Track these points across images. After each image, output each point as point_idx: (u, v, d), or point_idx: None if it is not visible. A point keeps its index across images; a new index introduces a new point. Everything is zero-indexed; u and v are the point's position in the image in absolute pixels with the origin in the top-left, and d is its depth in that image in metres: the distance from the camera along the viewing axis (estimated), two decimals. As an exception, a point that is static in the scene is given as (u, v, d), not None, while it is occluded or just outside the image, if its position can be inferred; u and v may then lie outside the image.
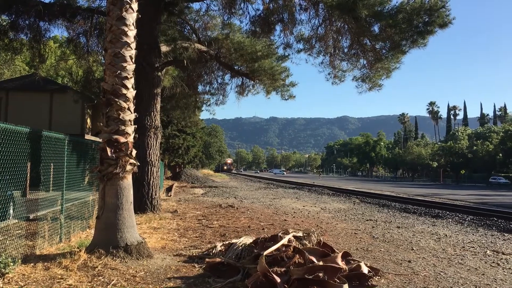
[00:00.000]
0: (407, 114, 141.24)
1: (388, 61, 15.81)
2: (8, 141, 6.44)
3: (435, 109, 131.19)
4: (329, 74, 18.06)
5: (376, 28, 15.03)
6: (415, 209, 19.77)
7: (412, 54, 15.59)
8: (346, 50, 16.84)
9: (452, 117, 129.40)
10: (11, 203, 10.65)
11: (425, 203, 23.58)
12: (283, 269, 6.21)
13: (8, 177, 6.99)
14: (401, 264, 8.17)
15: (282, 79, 19.62)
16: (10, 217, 10.59)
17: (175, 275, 6.77)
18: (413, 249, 9.75)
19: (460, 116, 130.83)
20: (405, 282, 6.80)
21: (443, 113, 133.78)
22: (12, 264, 6.36)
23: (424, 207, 21.10)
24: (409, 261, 8.40)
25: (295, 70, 24.04)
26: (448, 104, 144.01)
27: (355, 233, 12.01)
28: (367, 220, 15.33)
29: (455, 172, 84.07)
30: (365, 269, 6.69)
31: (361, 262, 7.05)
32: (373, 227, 13.49)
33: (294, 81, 20.41)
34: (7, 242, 7.97)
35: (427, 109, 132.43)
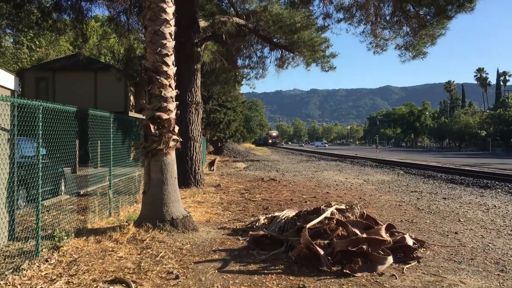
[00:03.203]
0: (453, 81, 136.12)
1: (432, 27, 15.23)
2: (57, 121, 6.67)
3: (484, 75, 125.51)
4: (370, 43, 17.65)
5: (419, -7, 14.48)
6: (462, 180, 19.26)
7: (459, 19, 14.95)
8: (388, 17, 16.32)
9: (501, 83, 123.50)
10: (62, 180, 11.16)
11: (472, 173, 22.89)
12: (326, 242, 6.23)
13: (58, 155, 7.28)
14: (447, 235, 8.03)
15: (322, 50, 19.30)
16: (62, 193, 11.11)
17: (220, 248, 6.93)
18: (460, 221, 9.55)
19: (511, 82, 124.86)
20: (452, 254, 6.69)
21: (492, 79, 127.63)
22: (66, 237, 6.69)
23: (472, 177, 20.49)
24: (456, 233, 8.24)
25: (335, 41, 23.49)
26: (498, 70, 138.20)
27: (399, 205, 11.86)
28: (411, 191, 15.09)
29: (505, 140, 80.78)
30: (410, 241, 6.62)
31: (405, 234, 6.98)
32: (418, 198, 13.27)
33: (334, 52, 20.04)
34: (61, 217, 8.37)
35: (475, 76, 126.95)
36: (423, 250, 6.82)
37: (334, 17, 17.30)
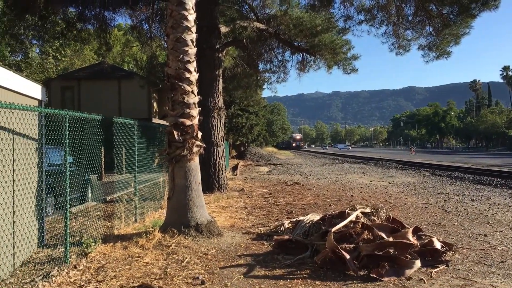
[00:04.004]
0: (479, 80, 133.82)
1: (456, 26, 15.00)
2: (83, 129, 6.80)
3: (510, 74, 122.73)
4: (392, 44, 17.46)
5: (442, -8, 14.31)
6: (490, 181, 18.85)
7: (483, 17, 14.73)
8: (410, 18, 16.15)
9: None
10: (89, 187, 11.35)
11: (501, 174, 22.35)
12: (352, 246, 6.17)
13: (85, 162, 7.41)
14: (476, 238, 7.86)
15: (344, 52, 19.20)
16: (89, 200, 11.30)
17: (245, 253, 6.93)
18: (489, 223, 9.34)
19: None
20: (481, 257, 6.55)
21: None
22: (93, 244, 6.79)
23: (501, 178, 20.02)
24: (485, 235, 8.06)
25: (357, 42, 23.35)
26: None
27: (426, 207, 11.68)
28: (438, 193, 14.84)
29: (533, 139, 78.91)
30: (437, 244, 6.50)
31: (433, 237, 6.86)
32: (445, 200, 13.04)
33: (356, 54, 19.94)
34: (88, 223, 8.51)
35: (501, 74, 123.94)
36: (452, 254, 6.69)
37: (355, 19, 17.20)
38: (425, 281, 5.43)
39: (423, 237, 7.10)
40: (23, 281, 5.41)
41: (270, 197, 14.28)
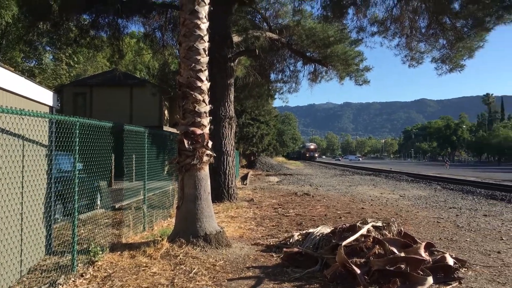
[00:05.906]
0: (492, 94, 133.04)
1: (470, 39, 14.87)
2: (94, 136, 6.78)
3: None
4: (405, 56, 17.34)
5: (456, 5, 14.24)
6: (503, 196, 18.51)
7: (497, 30, 14.59)
8: (423, 30, 16.04)
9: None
10: (98, 194, 11.33)
11: (514, 189, 21.99)
12: (362, 260, 6.05)
13: (94, 169, 7.38)
14: (489, 255, 7.69)
15: (356, 64, 19.12)
16: (98, 207, 11.26)
17: (254, 265, 6.83)
18: (502, 239, 9.14)
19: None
20: (495, 275, 6.39)
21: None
22: (100, 252, 6.73)
23: (514, 193, 19.68)
24: (499, 252, 7.88)
25: (369, 54, 23.31)
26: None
27: (437, 221, 11.48)
28: (450, 207, 14.61)
29: (547, 155, 77.87)
30: (450, 261, 6.35)
31: (446, 253, 6.71)
32: (457, 215, 12.82)
33: (368, 66, 19.84)
34: (96, 231, 8.46)
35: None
36: (465, 270, 6.53)
37: (368, 30, 17.09)
38: (438, 299, 5.28)
39: (436, 252, 6.96)
40: (29, 288, 5.36)
41: (280, 207, 14.16)
